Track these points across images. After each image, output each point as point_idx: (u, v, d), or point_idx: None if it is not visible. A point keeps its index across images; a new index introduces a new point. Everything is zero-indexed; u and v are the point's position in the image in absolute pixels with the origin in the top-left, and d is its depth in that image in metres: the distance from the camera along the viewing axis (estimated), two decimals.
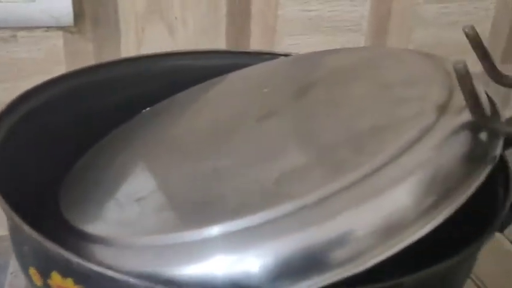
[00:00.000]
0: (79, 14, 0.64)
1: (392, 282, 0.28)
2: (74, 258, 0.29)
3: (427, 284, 0.30)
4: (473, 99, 0.32)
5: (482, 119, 0.33)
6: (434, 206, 0.30)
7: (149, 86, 0.53)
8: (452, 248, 0.31)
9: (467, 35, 0.37)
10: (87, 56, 0.66)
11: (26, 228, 0.30)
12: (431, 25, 0.77)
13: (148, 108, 0.52)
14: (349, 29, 0.74)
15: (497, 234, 0.40)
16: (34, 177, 0.43)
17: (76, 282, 0.30)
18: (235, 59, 0.56)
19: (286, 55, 0.55)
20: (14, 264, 0.53)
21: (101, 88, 0.51)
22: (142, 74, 0.53)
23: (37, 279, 0.33)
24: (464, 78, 0.31)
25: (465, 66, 0.31)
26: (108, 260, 0.31)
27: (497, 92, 0.86)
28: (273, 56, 0.56)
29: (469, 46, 0.80)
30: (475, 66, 0.82)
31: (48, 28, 0.64)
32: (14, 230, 0.35)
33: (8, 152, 0.41)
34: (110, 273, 0.28)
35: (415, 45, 0.77)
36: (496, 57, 0.83)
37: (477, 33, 0.37)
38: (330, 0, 0.72)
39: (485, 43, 0.80)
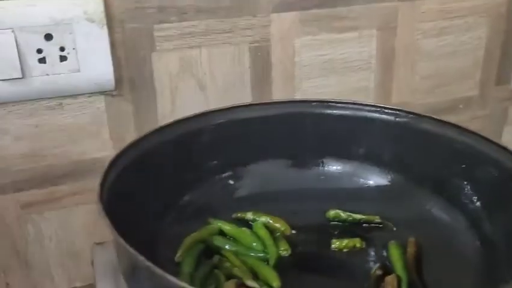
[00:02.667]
0: (118, 78, 0.69)
1: None
2: None
3: None
4: None
5: None
6: None
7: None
8: None
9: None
10: (127, 116, 0.71)
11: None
12: (432, 56, 0.84)
13: None
14: (359, 67, 0.81)
15: None
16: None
17: None
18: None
19: (321, 101, 0.61)
20: None
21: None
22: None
23: None
24: None
25: None
26: None
27: (495, 110, 0.94)
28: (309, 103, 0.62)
29: (468, 71, 0.88)
30: (473, 91, 0.90)
31: (92, 94, 0.69)
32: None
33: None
34: None
35: (419, 75, 0.84)
36: (491, 80, 0.90)
37: None
38: (341, 43, 0.78)
39: (480, 68, 0.89)
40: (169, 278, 0.36)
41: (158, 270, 0.36)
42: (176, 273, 0.49)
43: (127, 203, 0.48)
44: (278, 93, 0.77)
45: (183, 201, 0.57)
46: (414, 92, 0.85)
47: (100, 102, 0.70)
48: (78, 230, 0.74)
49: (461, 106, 0.90)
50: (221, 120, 0.60)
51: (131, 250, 0.38)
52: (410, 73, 0.84)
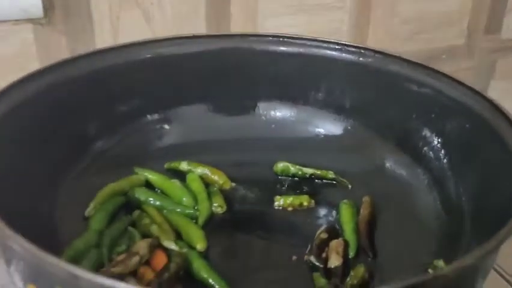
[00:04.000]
0: (48, 4, 0.60)
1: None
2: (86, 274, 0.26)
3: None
4: None
5: None
6: None
7: (129, 77, 0.50)
8: None
9: None
10: (60, 50, 0.63)
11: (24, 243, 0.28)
12: None
13: None
14: (332, 5, 0.72)
15: None
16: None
17: None
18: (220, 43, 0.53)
19: (273, 36, 0.53)
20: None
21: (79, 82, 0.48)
22: (120, 65, 0.50)
23: None
24: None
25: None
26: None
27: (481, 62, 0.85)
28: (259, 37, 0.53)
29: (454, 17, 0.79)
30: (458, 39, 0.82)
31: (17, 21, 0.60)
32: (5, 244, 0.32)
33: None
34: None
35: (399, 18, 0.75)
36: (479, 29, 0.82)
37: None
38: None
39: (468, 16, 0.80)
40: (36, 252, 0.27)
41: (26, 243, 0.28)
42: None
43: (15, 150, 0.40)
44: (237, 31, 0.68)
45: (96, 148, 0.48)
46: (392, 37, 0.76)
47: (28, 32, 0.61)
48: None
49: (444, 56, 0.82)
50: (148, 55, 0.51)
51: None
52: (389, 15, 0.75)
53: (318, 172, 0.50)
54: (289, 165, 0.51)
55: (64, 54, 0.63)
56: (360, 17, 0.74)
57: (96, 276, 0.26)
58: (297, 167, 0.51)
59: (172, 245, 0.41)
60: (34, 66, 0.62)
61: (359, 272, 0.40)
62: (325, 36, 0.72)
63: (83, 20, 0.62)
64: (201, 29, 0.67)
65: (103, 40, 0.64)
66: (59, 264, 0.27)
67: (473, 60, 0.84)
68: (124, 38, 0.64)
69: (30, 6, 0.59)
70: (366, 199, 0.47)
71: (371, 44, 0.75)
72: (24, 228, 0.33)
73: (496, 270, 0.46)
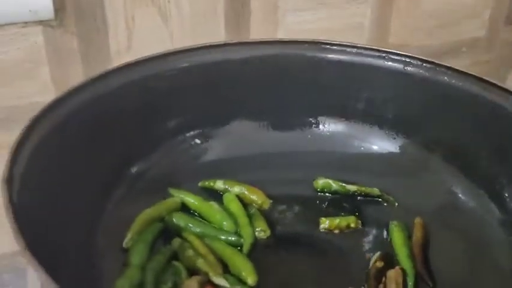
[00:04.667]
0: (59, 4, 0.55)
1: None
2: None
3: None
4: None
5: None
6: None
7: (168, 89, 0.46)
8: None
9: None
10: (72, 54, 0.58)
11: None
12: None
13: None
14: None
15: None
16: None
17: None
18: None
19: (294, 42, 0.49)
20: None
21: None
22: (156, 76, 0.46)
23: None
24: None
25: None
26: None
27: (501, 54, 0.83)
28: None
29: (476, 9, 0.76)
30: (479, 31, 0.79)
31: (26, 23, 0.55)
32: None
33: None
34: None
35: (422, 10, 0.72)
36: (501, 19, 0.79)
37: None
38: None
39: (490, 5, 0.77)
40: None
41: None
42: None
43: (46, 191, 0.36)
44: (257, 28, 0.65)
45: (132, 172, 0.45)
46: (415, 31, 0.73)
47: (37, 35, 0.57)
48: None
49: (464, 49, 0.79)
50: (185, 64, 0.47)
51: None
52: (413, 7, 0.72)
53: (362, 188, 0.47)
54: (331, 181, 0.48)
55: (76, 57, 0.59)
56: (383, 11, 0.70)
57: None
58: (339, 183, 0.48)
59: (222, 282, 0.38)
60: (44, 70, 0.58)
61: None
62: (346, 32, 0.69)
63: (96, 20, 0.58)
64: (220, 29, 0.63)
65: (117, 42, 0.60)
66: None
67: (493, 52, 0.82)
68: (139, 39, 0.60)
69: (39, 7, 0.55)
70: (418, 221, 0.44)
71: (393, 39, 0.72)
72: (62, 264, 0.31)
73: None
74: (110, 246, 0.40)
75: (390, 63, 0.48)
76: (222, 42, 0.50)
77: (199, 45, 0.48)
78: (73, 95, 0.42)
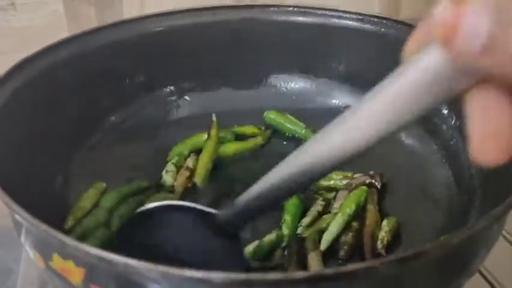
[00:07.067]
0: None
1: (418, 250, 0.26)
2: (71, 242, 0.27)
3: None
4: None
5: None
6: None
7: (150, 48, 0.50)
8: None
9: None
10: (89, 20, 0.64)
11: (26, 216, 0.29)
12: None
13: None
14: None
15: None
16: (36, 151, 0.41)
17: (77, 264, 0.29)
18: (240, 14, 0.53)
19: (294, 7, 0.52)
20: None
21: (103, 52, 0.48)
22: (142, 36, 0.50)
23: (40, 261, 0.32)
24: None
25: None
26: None
27: None
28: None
29: None
30: None
31: None
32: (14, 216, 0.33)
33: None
34: (106, 255, 0.26)
35: None
36: None
37: None
38: None
39: None
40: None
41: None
42: None
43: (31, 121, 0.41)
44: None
45: (110, 121, 0.49)
46: (427, 5, 0.73)
47: (58, 4, 0.62)
48: None
49: None
50: (161, 28, 0.51)
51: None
52: None
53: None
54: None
55: (93, 25, 0.64)
56: None
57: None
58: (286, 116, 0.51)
59: None
60: (64, 36, 0.64)
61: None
62: (356, 4, 0.70)
63: None
64: None
65: (131, 11, 0.64)
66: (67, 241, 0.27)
67: None
68: (152, 7, 0.64)
69: None
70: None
71: (405, 12, 0.73)
72: (35, 198, 0.34)
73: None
74: (84, 188, 0.43)
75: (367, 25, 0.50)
76: (199, 7, 0.53)
77: (180, 9, 0.52)
78: (55, 50, 0.46)
